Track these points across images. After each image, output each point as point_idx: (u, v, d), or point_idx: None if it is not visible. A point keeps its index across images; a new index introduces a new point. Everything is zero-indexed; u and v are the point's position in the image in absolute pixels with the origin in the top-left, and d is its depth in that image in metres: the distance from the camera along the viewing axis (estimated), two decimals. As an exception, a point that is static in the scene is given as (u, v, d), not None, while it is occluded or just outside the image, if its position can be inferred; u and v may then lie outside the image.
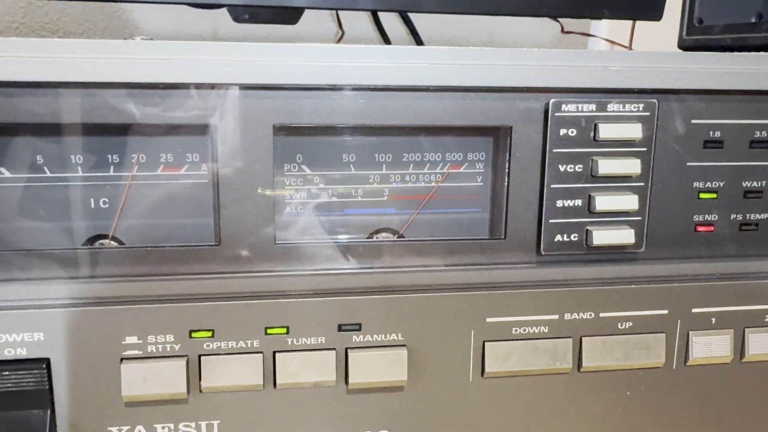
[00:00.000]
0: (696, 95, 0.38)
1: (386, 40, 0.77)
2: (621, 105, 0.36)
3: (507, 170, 0.37)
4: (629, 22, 0.81)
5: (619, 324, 0.39)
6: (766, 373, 0.41)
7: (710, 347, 0.40)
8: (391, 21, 0.77)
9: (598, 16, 0.78)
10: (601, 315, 0.39)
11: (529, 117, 0.36)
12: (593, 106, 0.36)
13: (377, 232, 0.39)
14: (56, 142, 0.35)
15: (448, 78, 0.35)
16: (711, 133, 0.38)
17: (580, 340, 0.39)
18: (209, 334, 0.35)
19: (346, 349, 0.37)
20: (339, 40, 0.76)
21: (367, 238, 0.38)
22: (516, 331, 0.38)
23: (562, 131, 0.36)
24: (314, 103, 0.35)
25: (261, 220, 0.35)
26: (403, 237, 0.39)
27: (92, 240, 0.36)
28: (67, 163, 0.35)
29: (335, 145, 0.37)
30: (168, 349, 0.35)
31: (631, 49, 0.79)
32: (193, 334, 0.35)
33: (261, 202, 0.35)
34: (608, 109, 0.36)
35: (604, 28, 0.92)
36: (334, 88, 0.34)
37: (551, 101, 0.36)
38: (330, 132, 0.37)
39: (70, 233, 0.36)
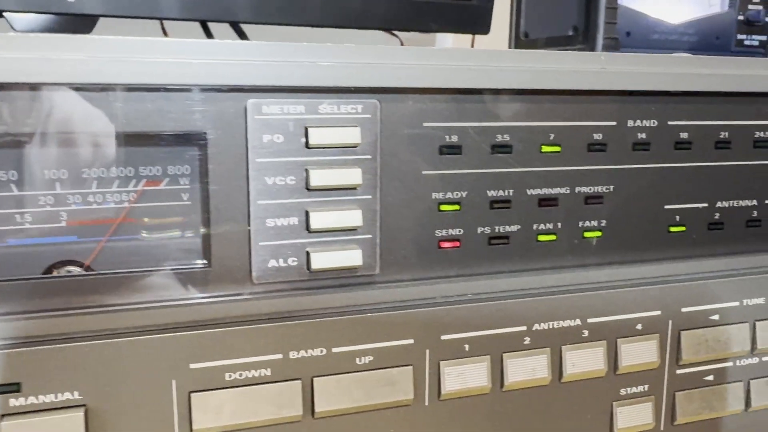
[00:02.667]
0: (427, 95, 0.33)
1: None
2: (335, 106, 0.32)
3: (207, 185, 0.31)
4: (470, 37, 0.79)
5: (357, 359, 0.34)
6: (528, 401, 0.37)
7: (465, 377, 0.36)
8: (226, 31, 0.71)
9: (426, 30, 0.76)
10: (335, 350, 0.33)
11: (226, 121, 0.31)
12: (302, 108, 0.31)
13: (57, 265, 0.31)
14: None
15: (114, 75, 0.29)
16: (447, 137, 0.34)
17: (312, 381, 0.33)
18: None
19: (1, 416, 0.29)
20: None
21: (44, 273, 0.31)
22: (230, 376, 0.32)
23: (266, 137, 0.31)
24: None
25: None
26: (91, 269, 0.32)
27: None
28: None
29: (-12, 160, 0.30)
30: None
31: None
32: None
33: None
34: (320, 111, 0.31)
35: (448, 42, 0.91)
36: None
37: (249, 102, 0.30)
38: (-26, 144, 0.29)
39: None
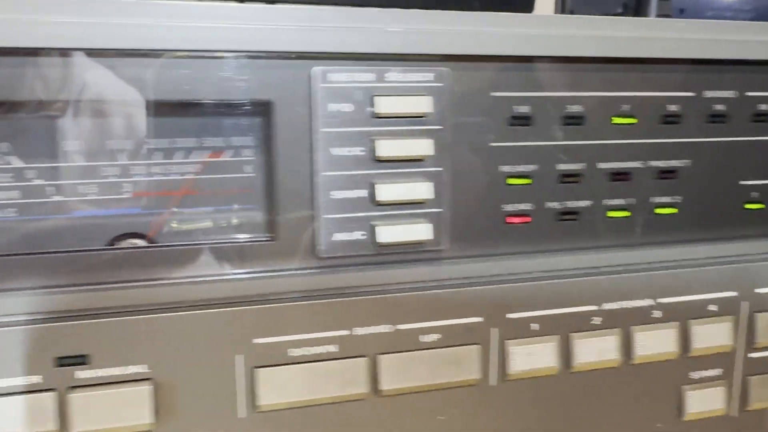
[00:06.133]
0: (495, 63, 0.32)
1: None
2: (404, 74, 0.30)
3: (272, 156, 0.30)
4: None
5: (423, 337, 0.33)
6: (597, 383, 0.36)
7: (533, 357, 0.35)
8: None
9: (468, 8, 0.74)
10: (400, 327, 0.33)
11: (292, 90, 0.30)
12: (370, 76, 0.30)
13: (121, 237, 0.31)
14: None
15: (177, 41, 0.28)
16: (516, 107, 0.33)
17: (376, 358, 0.32)
18: None
19: (68, 388, 0.29)
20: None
21: (108, 245, 0.31)
22: (294, 352, 0.31)
23: (333, 106, 0.30)
24: (10, 73, 0.27)
25: (-62, 227, 0.27)
26: (155, 242, 0.31)
27: None
28: None
29: (53, 130, 0.29)
30: None
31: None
32: None
33: (-63, 205, 0.27)
34: (388, 79, 0.30)
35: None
36: (31, 52, 0.27)
37: (314, 70, 0.29)
38: (38, 111, 0.29)
39: None
